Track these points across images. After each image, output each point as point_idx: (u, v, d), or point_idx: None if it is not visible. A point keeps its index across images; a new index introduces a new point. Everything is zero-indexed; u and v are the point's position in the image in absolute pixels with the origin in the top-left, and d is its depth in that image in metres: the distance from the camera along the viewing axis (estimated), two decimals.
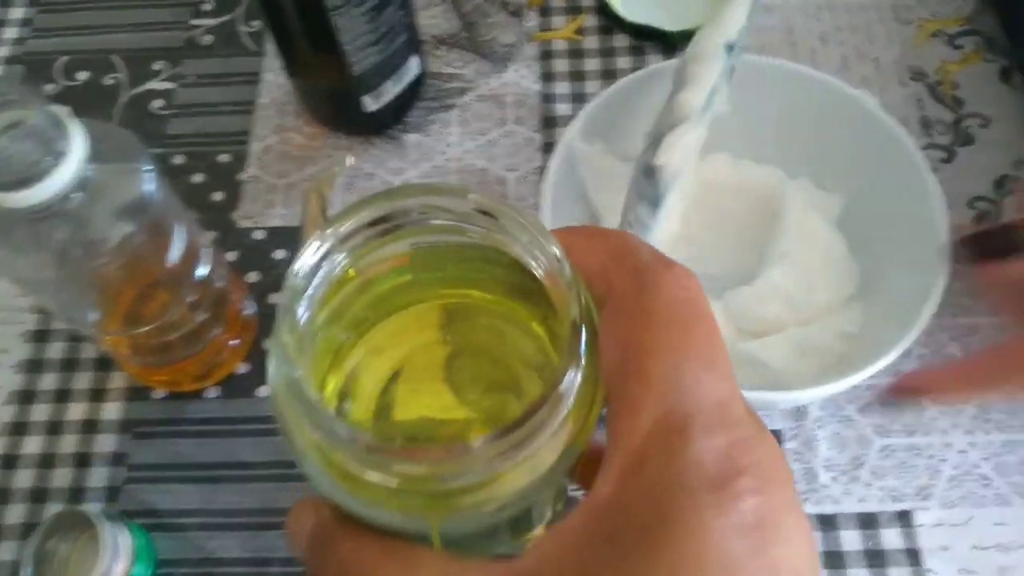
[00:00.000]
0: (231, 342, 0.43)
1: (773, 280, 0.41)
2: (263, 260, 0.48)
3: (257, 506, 0.42)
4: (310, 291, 0.20)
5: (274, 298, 0.47)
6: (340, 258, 0.21)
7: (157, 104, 0.53)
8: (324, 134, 0.52)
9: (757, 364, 0.40)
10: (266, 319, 0.46)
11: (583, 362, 0.19)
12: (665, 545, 0.17)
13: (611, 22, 0.54)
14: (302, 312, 0.20)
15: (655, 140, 0.37)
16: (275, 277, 0.47)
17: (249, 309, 0.45)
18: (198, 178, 0.51)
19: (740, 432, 0.18)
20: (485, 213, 0.20)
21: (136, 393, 0.44)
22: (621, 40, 0.54)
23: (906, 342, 0.35)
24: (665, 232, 0.39)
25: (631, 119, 0.43)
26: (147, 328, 0.38)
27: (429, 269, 0.23)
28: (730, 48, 0.40)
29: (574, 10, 0.56)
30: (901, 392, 0.37)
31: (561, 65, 0.54)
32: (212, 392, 0.44)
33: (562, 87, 0.53)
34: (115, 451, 0.43)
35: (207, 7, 0.57)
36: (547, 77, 0.53)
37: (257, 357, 0.45)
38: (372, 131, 0.51)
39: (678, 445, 0.18)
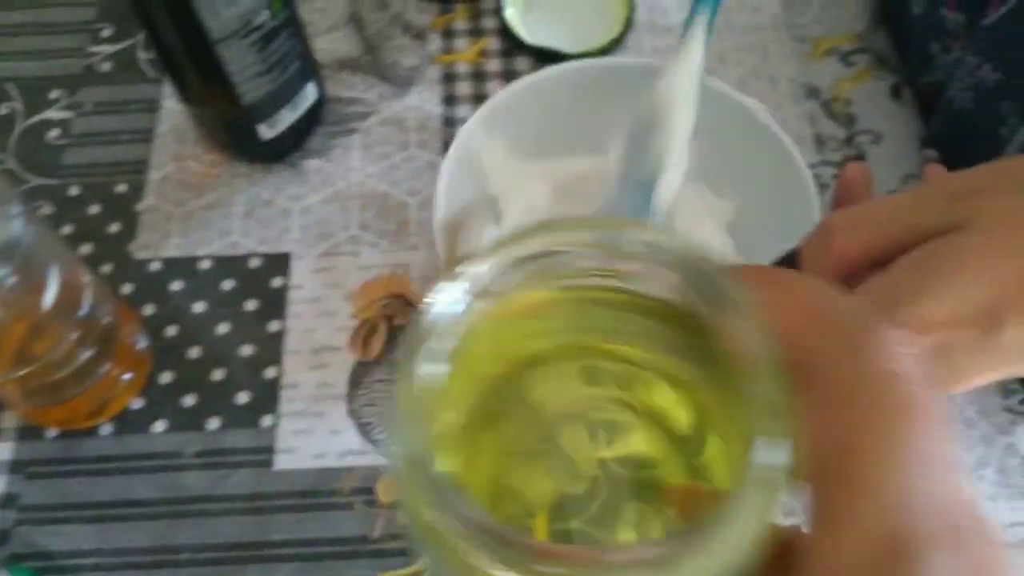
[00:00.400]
0: (123, 377, 0.43)
1: None
2: (159, 292, 0.47)
3: (152, 544, 0.41)
4: (441, 346, 0.17)
5: (170, 330, 0.46)
6: (477, 305, 0.17)
7: (53, 134, 0.52)
8: (223, 161, 0.51)
9: None
10: (161, 352, 0.45)
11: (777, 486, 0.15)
12: None
13: (513, 44, 0.55)
14: (429, 371, 0.16)
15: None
16: (171, 309, 0.47)
17: (142, 343, 0.44)
18: (94, 209, 0.50)
19: (980, 552, 0.15)
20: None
21: (28, 432, 0.43)
22: (523, 62, 0.55)
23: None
24: None
25: (531, 117, 0.44)
26: (32, 368, 0.38)
27: (577, 318, 0.19)
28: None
29: (477, 32, 0.56)
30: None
31: (464, 88, 0.54)
32: (106, 429, 0.44)
33: (464, 110, 0.53)
34: (5, 492, 0.42)
35: (106, 33, 0.56)
36: (449, 100, 0.53)
37: (152, 391, 0.44)
38: (271, 158, 0.51)
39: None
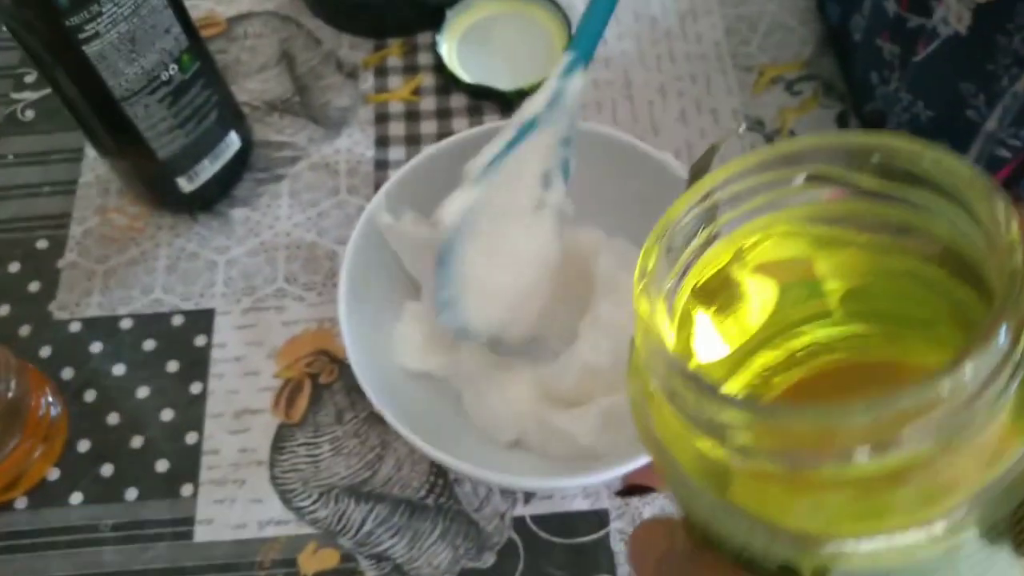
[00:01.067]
0: (36, 451, 0.41)
1: (578, 351, 0.40)
2: (78, 354, 0.46)
3: None
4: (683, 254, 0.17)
5: (88, 395, 0.45)
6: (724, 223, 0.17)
7: None
8: (147, 214, 0.49)
9: (566, 437, 0.39)
10: (78, 418, 0.44)
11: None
12: None
13: (448, 82, 0.53)
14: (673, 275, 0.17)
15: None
16: (89, 372, 0.45)
17: (56, 410, 0.43)
18: (14, 267, 0.48)
19: None
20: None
21: None
22: (458, 100, 0.53)
23: None
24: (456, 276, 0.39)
25: (441, 187, 0.42)
26: None
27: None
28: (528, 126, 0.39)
29: (411, 70, 0.54)
30: (630, 493, 0.34)
31: (397, 128, 0.52)
32: (20, 503, 0.42)
33: (397, 152, 0.51)
34: None
35: (30, 79, 0.55)
36: (382, 142, 0.52)
37: (68, 461, 0.43)
38: (197, 207, 0.49)
39: None
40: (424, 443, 0.35)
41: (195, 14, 0.50)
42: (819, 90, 0.53)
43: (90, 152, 0.52)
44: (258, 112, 0.53)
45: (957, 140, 0.42)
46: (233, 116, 0.47)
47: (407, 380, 0.41)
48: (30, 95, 0.54)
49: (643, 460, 0.33)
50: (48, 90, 0.54)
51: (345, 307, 0.38)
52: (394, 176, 0.41)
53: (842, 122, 0.52)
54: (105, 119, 0.42)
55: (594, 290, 0.42)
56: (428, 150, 0.42)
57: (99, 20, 0.37)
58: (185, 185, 0.46)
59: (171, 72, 0.41)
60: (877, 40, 0.46)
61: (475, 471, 0.35)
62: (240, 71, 0.54)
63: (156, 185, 0.47)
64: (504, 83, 0.52)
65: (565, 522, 0.41)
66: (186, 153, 0.45)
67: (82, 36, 0.37)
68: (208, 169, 0.47)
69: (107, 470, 0.43)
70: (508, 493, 0.42)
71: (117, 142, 0.43)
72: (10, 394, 0.39)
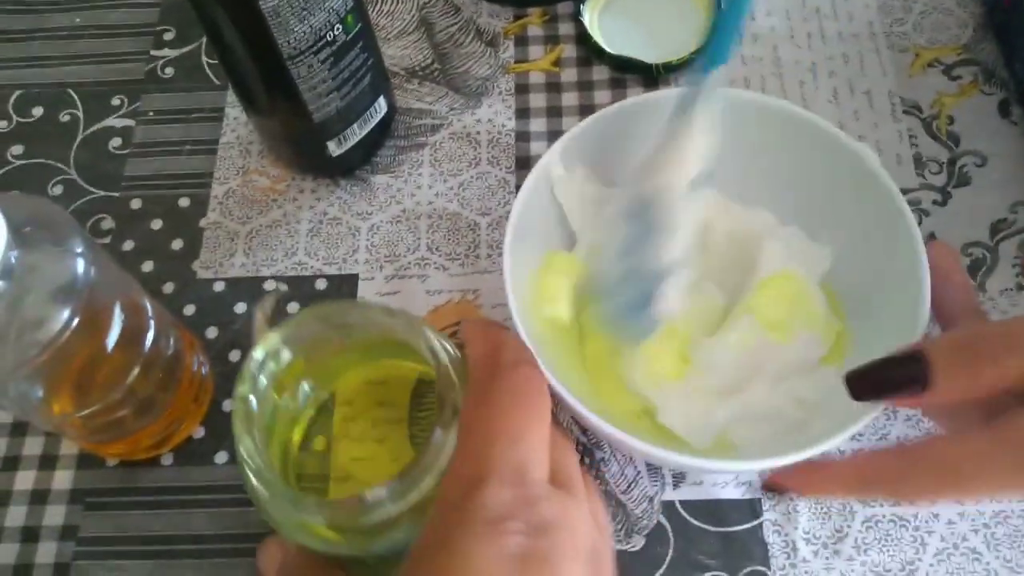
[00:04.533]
0: (186, 409, 0.41)
1: (727, 339, 0.39)
2: (223, 314, 0.45)
3: None
4: (259, 384, 0.31)
5: (234, 355, 0.44)
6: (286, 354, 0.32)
7: (115, 143, 0.51)
8: (288, 176, 0.49)
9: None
10: (223, 378, 0.44)
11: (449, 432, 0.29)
12: (440, 566, 0.24)
13: (590, 53, 0.52)
14: (255, 400, 0.31)
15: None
16: (234, 333, 0.45)
17: (205, 369, 0.43)
18: (156, 224, 0.48)
19: (528, 491, 0.25)
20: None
21: (87, 461, 0.42)
22: (600, 72, 0.52)
23: (865, 420, 0.32)
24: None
25: (612, 147, 0.41)
26: (93, 409, 0.36)
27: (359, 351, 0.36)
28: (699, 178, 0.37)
29: (552, 39, 0.53)
30: (772, 489, 0.33)
31: (537, 100, 0.51)
32: (167, 459, 0.42)
33: (537, 124, 0.50)
34: (64, 524, 0.41)
35: (168, 37, 0.54)
36: (522, 113, 0.51)
37: (215, 419, 0.43)
38: (339, 172, 0.49)
39: (473, 493, 0.25)
40: (580, 406, 0.34)
41: None
42: (979, 76, 0.50)
43: (230, 112, 0.51)
44: (398, 78, 0.52)
45: None
46: (383, 80, 0.46)
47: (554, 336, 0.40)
48: (170, 52, 0.54)
49: (781, 461, 0.32)
50: (187, 48, 0.54)
51: (510, 258, 0.37)
52: (569, 132, 0.40)
53: (1004, 111, 0.49)
54: (268, 78, 0.41)
55: (754, 276, 0.41)
56: (602, 112, 0.40)
57: None
58: (334, 149, 0.46)
59: (336, 32, 0.40)
60: None
61: (622, 436, 0.34)
62: (379, 36, 0.53)
63: (304, 148, 0.47)
64: (648, 56, 0.51)
65: (716, 510, 0.40)
66: (340, 116, 0.44)
67: None
68: (356, 134, 0.46)
69: None
70: (656, 476, 0.41)
71: (275, 103, 0.43)
72: (169, 351, 0.39)
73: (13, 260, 0.30)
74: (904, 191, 0.46)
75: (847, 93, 0.50)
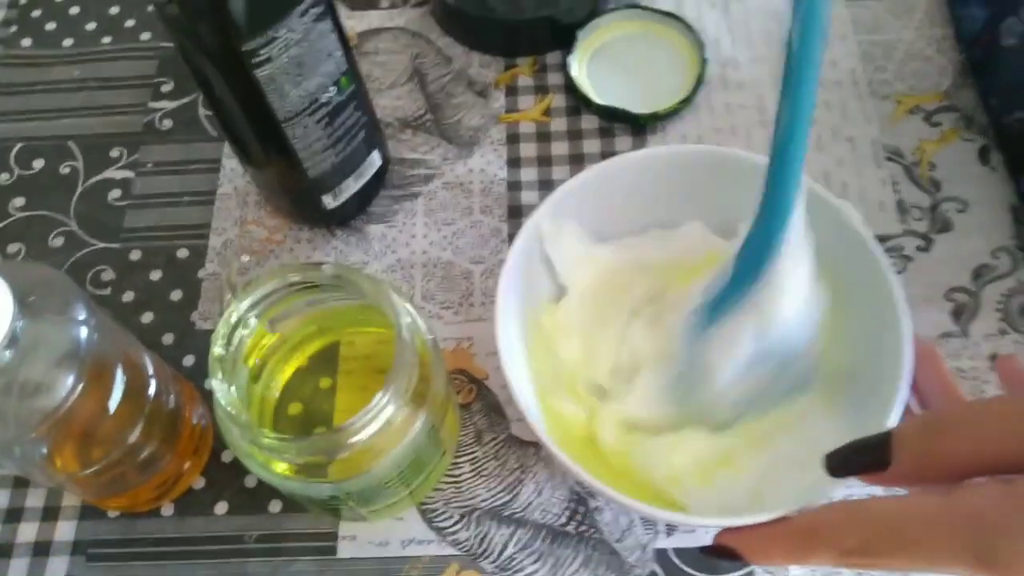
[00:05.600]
0: (186, 464, 0.42)
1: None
2: None
3: None
4: (232, 348, 0.34)
5: None
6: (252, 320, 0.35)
7: (114, 194, 0.52)
8: (286, 226, 0.50)
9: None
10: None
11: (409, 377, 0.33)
12: None
13: (579, 102, 0.53)
14: (230, 355, 0.34)
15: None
16: None
17: (204, 421, 0.44)
18: (156, 275, 0.49)
19: None
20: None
21: (89, 512, 0.43)
22: (589, 121, 0.53)
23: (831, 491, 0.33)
24: None
25: (601, 203, 0.42)
26: (96, 467, 0.37)
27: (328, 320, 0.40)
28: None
29: (542, 89, 0.54)
30: (716, 553, 0.31)
31: (528, 149, 0.52)
32: (168, 510, 0.43)
33: (529, 173, 0.51)
34: (67, 575, 0.42)
35: (166, 88, 0.56)
36: (513, 163, 0.52)
37: (214, 470, 0.44)
38: (335, 223, 0.50)
39: None
40: (568, 459, 0.34)
41: None
42: (960, 122, 0.52)
43: (227, 163, 0.52)
44: (391, 129, 0.53)
45: None
46: (376, 135, 0.48)
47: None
48: (168, 104, 0.55)
49: (746, 520, 0.31)
50: (185, 99, 0.55)
51: (501, 315, 0.38)
52: (558, 189, 0.41)
53: (984, 158, 0.50)
54: (263, 137, 0.42)
55: None
56: (593, 168, 0.41)
57: (273, 45, 0.37)
58: (329, 202, 0.47)
59: (330, 94, 0.42)
60: None
61: (613, 494, 0.34)
62: (372, 87, 0.55)
63: (300, 201, 0.48)
64: (636, 105, 0.52)
65: (710, 560, 0.41)
66: (334, 171, 0.45)
67: (255, 60, 0.38)
68: (351, 187, 0.47)
69: (251, 481, 0.43)
70: (650, 524, 0.42)
71: (270, 161, 0.44)
72: (170, 406, 0.40)
73: (18, 330, 0.31)
74: (887, 237, 0.48)
75: (831, 140, 0.52)
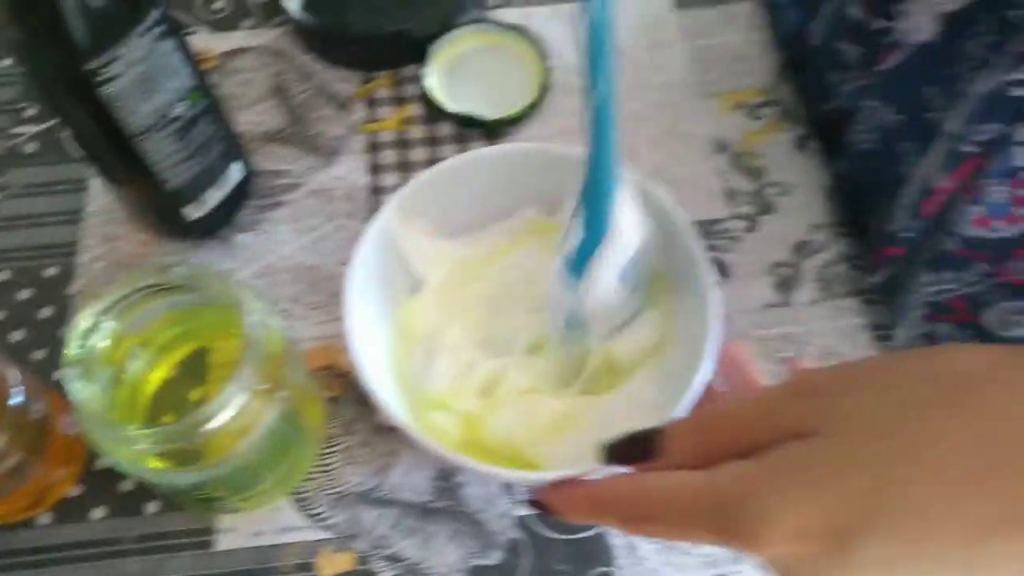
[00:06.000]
0: (59, 471, 0.43)
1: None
2: None
3: None
4: (87, 349, 0.36)
5: None
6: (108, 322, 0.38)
7: None
8: (153, 240, 0.52)
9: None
10: None
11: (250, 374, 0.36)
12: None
13: (435, 111, 0.57)
14: (86, 356, 0.36)
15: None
16: None
17: (75, 429, 0.45)
18: (25, 295, 0.50)
19: None
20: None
21: None
22: (445, 129, 0.56)
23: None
24: None
25: (448, 200, 0.45)
26: None
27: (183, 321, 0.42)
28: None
29: (400, 100, 0.58)
30: (536, 507, 0.33)
31: (388, 156, 0.55)
32: (45, 519, 0.44)
33: (390, 178, 0.54)
34: None
35: (29, 113, 0.57)
36: (375, 169, 0.55)
37: (90, 478, 0.45)
38: (201, 234, 0.52)
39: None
40: (433, 443, 0.37)
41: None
42: (779, 115, 0.57)
43: (94, 182, 0.54)
44: (255, 143, 0.55)
45: (919, 141, 0.46)
46: (235, 148, 0.50)
47: None
48: (31, 128, 0.56)
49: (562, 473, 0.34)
50: (49, 123, 0.56)
51: (352, 310, 0.41)
52: (401, 190, 0.44)
53: (801, 145, 0.56)
54: (118, 155, 0.44)
55: None
56: (436, 168, 0.45)
57: (115, 64, 0.39)
58: (191, 213, 0.49)
59: (181, 109, 0.44)
60: (837, 43, 0.51)
61: (470, 463, 0.37)
62: (235, 104, 0.57)
63: (164, 214, 0.49)
64: (487, 112, 0.56)
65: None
66: (193, 184, 0.47)
67: (99, 79, 0.39)
68: (213, 198, 0.49)
69: (127, 485, 0.45)
70: (512, 494, 0.45)
71: (128, 175, 0.46)
72: (36, 415, 0.41)
73: None
74: (717, 221, 0.53)
75: (665, 137, 0.56)
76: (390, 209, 0.43)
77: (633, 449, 0.31)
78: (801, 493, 0.24)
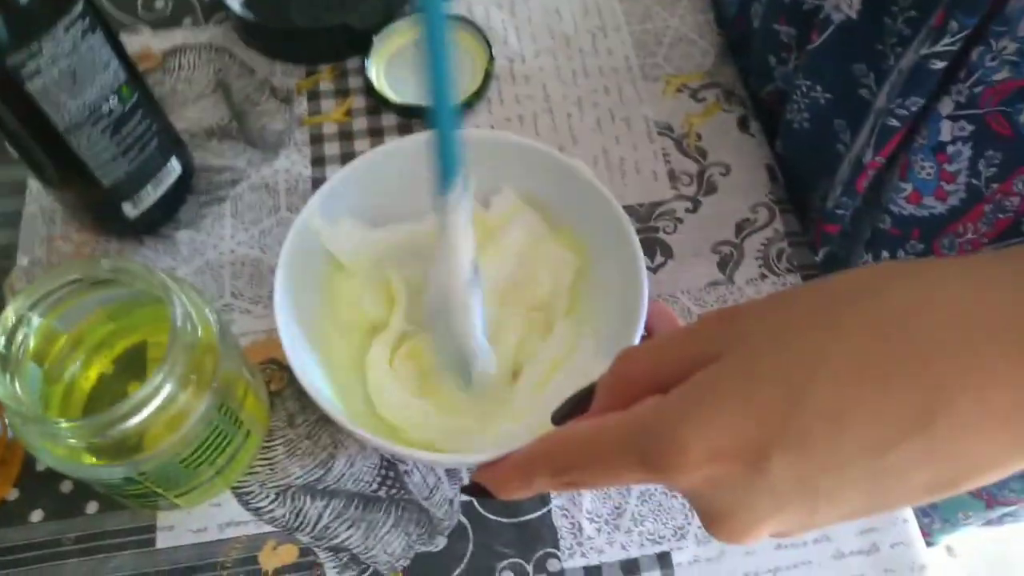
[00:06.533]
0: None
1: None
2: None
3: None
4: (14, 345, 0.36)
5: None
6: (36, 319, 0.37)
7: None
8: (94, 240, 0.51)
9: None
10: None
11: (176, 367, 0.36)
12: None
13: (378, 103, 0.56)
14: (14, 353, 0.36)
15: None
16: None
17: (11, 432, 0.44)
18: None
19: None
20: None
21: None
22: (389, 119, 0.56)
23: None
24: None
25: (373, 192, 0.45)
26: None
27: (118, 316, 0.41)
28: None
29: (343, 93, 0.57)
30: (471, 491, 0.33)
31: (332, 148, 0.55)
32: None
33: (333, 170, 0.54)
34: None
35: None
36: (318, 161, 0.54)
37: (27, 481, 0.44)
38: (142, 231, 0.51)
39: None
40: (370, 435, 0.37)
41: (130, 49, 0.52)
42: (721, 97, 0.57)
43: (33, 184, 0.53)
44: (197, 139, 0.55)
45: (853, 118, 0.47)
46: (173, 143, 0.49)
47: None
48: None
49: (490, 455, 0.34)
50: None
51: (282, 313, 0.41)
52: (321, 188, 0.44)
53: (743, 126, 0.56)
54: (49, 151, 0.44)
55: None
56: (352, 163, 0.44)
57: (39, 57, 0.39)
58: (130, 211, 0.48)
59: (112, 104, 0.43)
60: (775, 24, 0.51)
61: (406, 452, 0.38)
62: (177, 101, 0.57)
63: (102, 212, 0.49)
64: None
65: (510, 503, 0.44)
66: (129, 180, 0.47)
67: (24, 72, 0.39)
68: (151, 194, 0.49)
69: (67, 487, 0.44)
70: (455, 480, 0.45)
71: (62, 173, 0.45)
72: None
73: None
74: (661, 202, 0.53)
75: (609, 121, 0.56)
76: (314, 203, 0.43)
77: (576, 408, 0.31)
78: (710, 414, 0.24)
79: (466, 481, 0.45)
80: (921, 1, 0.40)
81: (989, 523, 0.70)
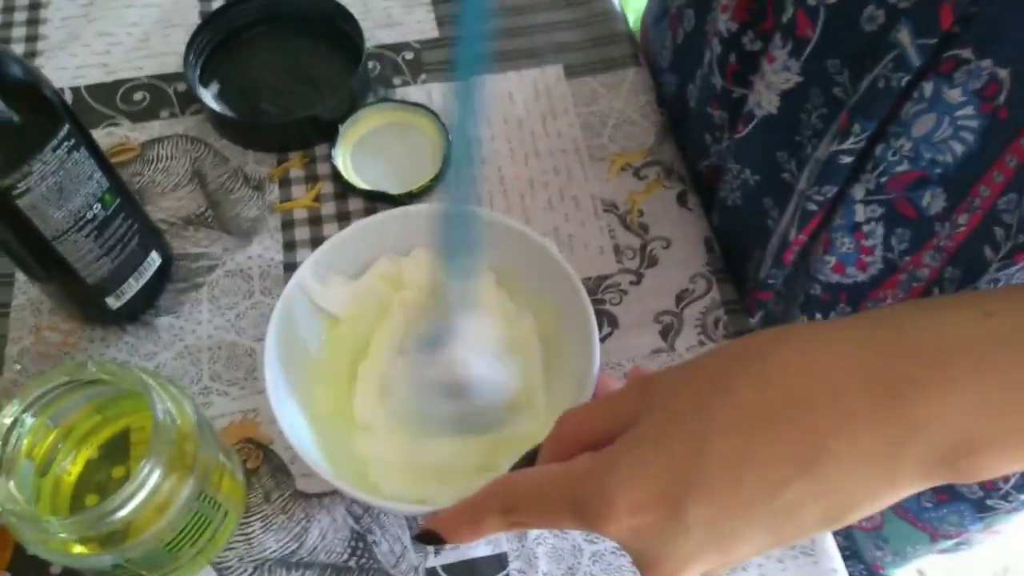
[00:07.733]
0: None
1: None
2: None
3: None
4: (10, 447, 0.40)
5: None
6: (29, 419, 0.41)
7: None
8: (79, 329, 0.55)
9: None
10: None
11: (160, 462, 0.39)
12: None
13: (345, 188, 0.61)
14: (9, 454, 0.40)
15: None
16: None
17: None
18: None
19: None
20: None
21: None
22: (355, 203, 0.60)
23: None
24: None
25: (362, 257, 0.51)
26: None
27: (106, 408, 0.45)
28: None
29: (312, 179, 0.62)
30: (424, 538, 0.34)
31: (302, 233, 0.59)
32: None
33: (304, 254, 0.58)
34: None
35: None
36: (289, 246, 0.59)
37: (20, 563, 0.48)
38: (125, 320, 0.55)
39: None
40: (348, 486, 0.41)
41: (110, 140, 0.56)
42: (661, 174, 0.62)
43: (21, 276, 0.57)
44: (174, 227, 0.59)
45: (778, 198, 0.52)
46: (152, 236, 0.53)
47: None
48: None
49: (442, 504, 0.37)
50: None
51: (271, 375, 0.45)
52: (316, 251, 0.49)
53: (682, 200, 0.61)
54: (37, 256, 0.47)
55: None
56: (349, 229, 0.50)
57: (29, 178, 0.43)
58: (113, 303, 0.52)
59: (95, 211, 0.47)
60: (708, 108, 0.56)
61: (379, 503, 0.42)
62: (155, 191, 0.60)
63: (86, 305, 0.53)
64: (394, 187, 0.60)
65: (471, 568, 0.48)
66: (112, 276, 0.51)
67: (15, 193, 0.43)
68: (133, 287, 0.53)
69: (56, 568, 0.48)
70: (420, 548, 0.49)
71: (49, 273, 0.49)
72: None
73: None
74: (607, 276, 0.58)
75: (559, 200, 0.61)
76: (307, 266, 0.48)
77: (526, 465, 0.35)
78: (632, 471, 0.28)
79: (431, 548, 0.48)
80: (829, 103, 0.45)
81: (944, 551, 0.74)
